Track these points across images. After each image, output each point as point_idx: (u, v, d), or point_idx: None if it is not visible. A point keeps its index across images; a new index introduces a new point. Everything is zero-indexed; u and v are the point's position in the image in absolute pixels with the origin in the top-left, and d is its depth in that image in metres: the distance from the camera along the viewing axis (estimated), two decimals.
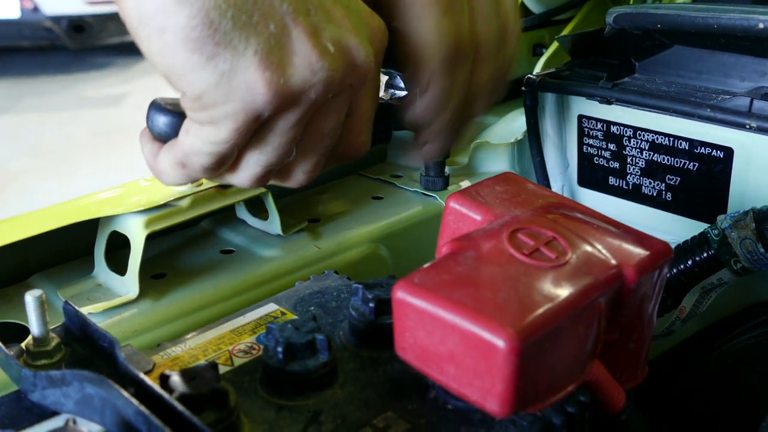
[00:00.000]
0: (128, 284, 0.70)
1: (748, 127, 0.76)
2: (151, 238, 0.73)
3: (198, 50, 0.45)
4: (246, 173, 0.53)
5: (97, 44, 6.67)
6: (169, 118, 0.54)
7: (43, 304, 0.50)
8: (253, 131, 0.49)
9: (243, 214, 0.85)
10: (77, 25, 6.38)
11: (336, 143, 0.54)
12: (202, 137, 0.49)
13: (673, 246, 0.53)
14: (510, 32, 0.59)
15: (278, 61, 0.46)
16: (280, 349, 0.48)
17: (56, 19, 6.28)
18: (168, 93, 0.56)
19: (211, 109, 0.47)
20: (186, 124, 0.51)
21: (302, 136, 0.51)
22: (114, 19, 6.59)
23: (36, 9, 6.22)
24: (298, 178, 0.55)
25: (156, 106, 0.55)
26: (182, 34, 0.44)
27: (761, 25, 0.73)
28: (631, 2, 1.18)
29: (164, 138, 0.54)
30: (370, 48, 0.50)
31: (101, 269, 0.73)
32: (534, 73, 0.97)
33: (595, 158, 0.94)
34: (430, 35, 0.54)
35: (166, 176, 0.54)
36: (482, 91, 0.60)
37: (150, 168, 0.55)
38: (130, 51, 7.23)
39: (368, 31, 0.51)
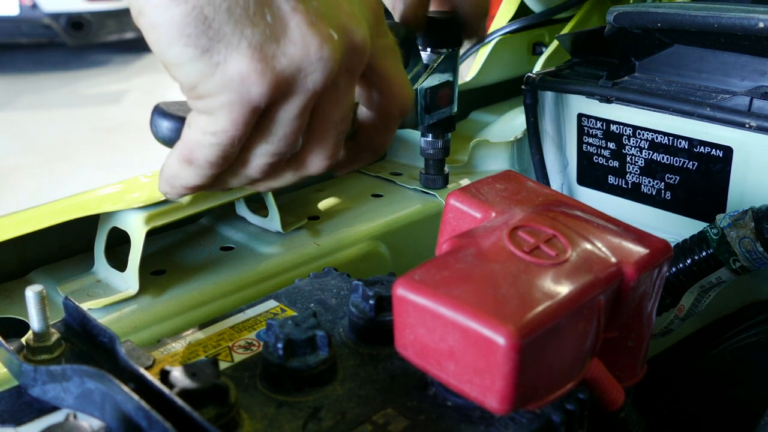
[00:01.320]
0: (128, 280, 0.70)
1: (747, 126, 0.77)
2: (151, 235, 0.73)
3: (192, 44, 0.45)
4: (255, 165, 0.53)
5: (96, 41, 6.66)
6: (173, 123, 0.54)
7: (43, 300, 0.50)
8: (254, 122, 0.49)
9: (243, 211, 0.85)
10: (76, 22, 6.38)
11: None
12: (202, 128, 0.49)
13: (672, 245, 0.53)
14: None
15: (273, 53, 0.46)
16: (280, 345, 0.48)
17: (55, 16, 6.27)
18: (166, 92, 0.57)
19: (207, 99, 0.47)
20: (189, 117, 0.51)
21: (310, 124, 0.52)
22: (112, 16, 6.59)
23: (35, 6, 6.21)
24: (315, 165, 0.55)
25: (159, 111, 0.55)
26: (176, 29, 0.45)
27: (761, 25, 0.73)
28: (632, 1, 1.19)
29: (168, 142, 0.54)
30: (366, 29, 0.50)
31: (101, 265, 0.73)
32: (534, 71, 0.97)
33: (595, 157, 0.94)
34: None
35: (178, 178, 0.53)
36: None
37: (163, 176, 0.55)
38: (128, 48, 7.22)
39: (365, 10, 0.51)
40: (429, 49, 0.84)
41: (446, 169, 0.94)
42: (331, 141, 0.54)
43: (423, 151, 0.92)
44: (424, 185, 0.94)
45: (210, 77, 0.46)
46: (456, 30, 0.80)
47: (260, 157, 0.52)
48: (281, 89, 0.47)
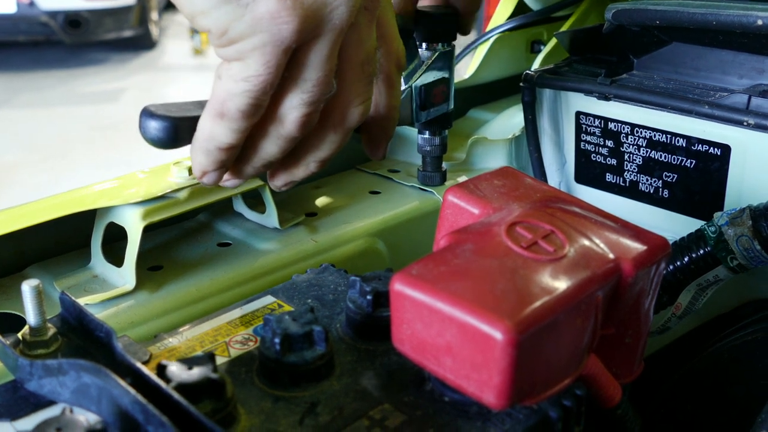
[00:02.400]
0: (125, 276, 0.70)
1: (745, 124, 0.77)
2: (148, 231, 0.73)
3: None
4: (291, 118, 0.53)
5: (93, 39, 6.66)
6: (160, 123, 0.55)
7: (39, 294, 0.50)
8: (285, 64, 0.49)
9: (240, 207, 0.85)
10: (73, 20, 6.37)
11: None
12: (233, 75, 0.49)
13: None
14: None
15: None
16: (277, 340, 0.48)
17: (52, 14, 6.26)
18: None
19: (238, 44, 0.48)
20: (217, 70, 0.51)
21: (339, 69, 0.52)
22: (110, 14, 6.59)
23: (32, 4, 6.20)
24: (353, 115, 0.56)
25: (146, 113, 0.56)
26: None
27: (760, 22, 0.73)
28: None
29: (157, 142, 0.55)
30: None
31: (98, 261, 0.73)
32: (532, 69, 0.97)
33: (593, 155, 0.94)
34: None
35: (212, 139, 0.53)
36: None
37: (196, 144, 0.55)
38: (126, 46, 7.22)
39: None
40: (424, 46, 0.84)
41: (444, 166, 0.94)
42: (362, 84, 0.54)
43: (420, 148, 0.92)
44: (422, 182, 0.93)
45: (240, 19, 0.47)
46: (449, 24, 0.80)
47: (294, 109, 0.52)
48: (310, 27, 0.48)
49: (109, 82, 6.18)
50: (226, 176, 0.59)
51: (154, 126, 0.55)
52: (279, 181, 0.61)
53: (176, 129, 0.56)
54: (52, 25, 6.29)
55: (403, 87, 0.79)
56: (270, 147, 0.55)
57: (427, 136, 0.91)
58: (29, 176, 4.20)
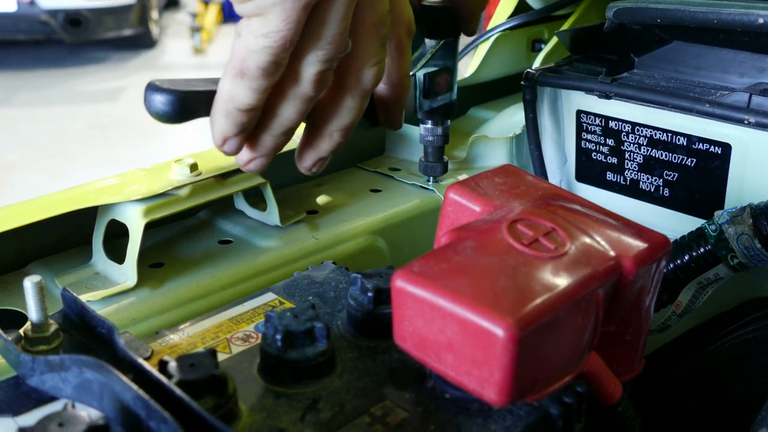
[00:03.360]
0: (126, 273, 0.70)
1: (746, 122, 0.77)
2: (149, 228, 0.73)
3: None
4: (307, 77, 0.53)
5: (94, 38, 6.65)
6: (166, 96, 0.55)
7: (41, 290, 0.50)
8: (304, 20, 0.50)
9: (241, 205, 0.85)
10: (74, 18, 6.37)
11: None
12: (254, 31, 0.50)
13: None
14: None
15: None
16: (278, 336, 0.48)
17: (53, 13, 6.26)
18: None
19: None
20: (237, 28, 0.52)
21: (353, 29, 0.53)
22: (110, 13, 6.58)
23: (32, 2, 6.20)
24: (368, 76, 0.56)
25: (151, 87, 0.56)
26: None
27: (761, 20, 0.73)
28: None
29: (162, 116, 0.55)
30: None
31: (99, 257, 0.73)
32: (533, 67, 0.97)
33: (593, 153, 0.94)
34: None
35: (232, 100, 0.54)
36: None
37: (217, 107, 0.55)
38: (126, 45, 7.22)
39: None
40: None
41: (445, 158, 0.93)
42: (376, 46, 0.55)
43: (422, 138, 0.92)
44: (424, 172, 0.93)
45: None
46: (450, 20, 0.80)
47: (311, 65, 0.53)
48: None
49: (109, 81, 6.18)
50: (246, 153, 0.58)
51: (160, 100, 0.55)
52: (307, 161, 0.61)
53: (182, 102, 0.55)
54: (52, 23, 6.28)
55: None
56: (288, 110, 0.55)
57: (429, 126, 0.91)
58: (29, 175, 4.20)
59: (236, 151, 0.57)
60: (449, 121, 0.91)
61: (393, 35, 0.60)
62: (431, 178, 0.94)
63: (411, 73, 0.81)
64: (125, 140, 4.70)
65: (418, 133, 0.93)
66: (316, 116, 0.59)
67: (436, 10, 0.80)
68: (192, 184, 0.75)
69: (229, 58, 0.53)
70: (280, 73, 0.52)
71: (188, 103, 0.56)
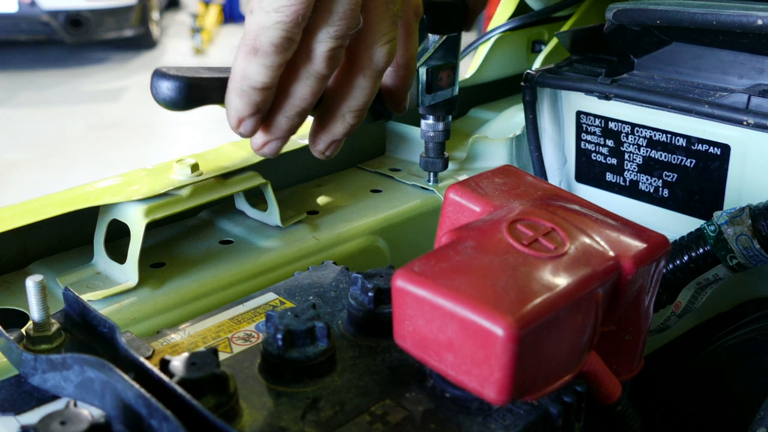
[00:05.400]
0: (128, 272, 0.71)
1: (745, 123, 0.77)
2: (150, 228, 0.73)
3: None
4: (319, 54, 0.54)
5: (94, 39, 6.66)
6: (172, 83, 0.55)
7: (43, 290, 0.50)
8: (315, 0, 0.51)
9: (242, 205, 0.85)
10: (74, 19, 6.37)
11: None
12: (266, 7, 0.51)
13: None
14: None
15: None
16: (279, 336, 0.49)
17: (53, 14, 6.27)
18: None
19: None
20: (249, 5, 0.52)
21: (364, 7, 0.54)
22: (111, 13, 6.59)
23: (33, 3, 6.21)
24: (380, 53, 0.57)
25: (158, 73, 0.56)
26: None
27: (760, 22, 0.73)
28: None
29: (168, 102, 0.55)
30: None
31: (101, 257, 0.73)
32: (533, 68, 0.97)
33: (593, 154, 0.95)
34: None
35: (246, 78, 0.54)
36: None
37: (232, 86, 0.55)
38: (126, 46, 7.22)
39: None
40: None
41: (446, 153, 0.94)
42: (387, 24, 0.56)
43: (423, 134, 0.92)
44: (424, 168, 0.93)
45: None
46: (455, 15, 0.81)
47: (323, 42, 0.53)
48: None
49: (110, 82, 6.18)
50: (260, 137, 0.59)
51: (167, 86, 0.55)
52: (321, 144, 0.61)
53: (189, 89, 0.56)
54: (53, 24, 6.29)
55: None
56: (302, 89, 0.56)
57: (431, 121, 0.91)
58: (29, 175, 4.20)
59: (252, 133, 0.58)
60: (451, 116, 0.92)
61: (402, 16, 0.60)
62: (432, 175, 0.94)
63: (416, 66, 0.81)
64: (126, 141, 4.70)
65: (419, 133, 0.93)
66: (328, 98, 0.59)
67: (442, 5, 0.80)
68: (193, 185, 0.75)
69: (241, 36, 0.53)
70: (293, 50, 0.53)
71: (195, 90, 0.56)
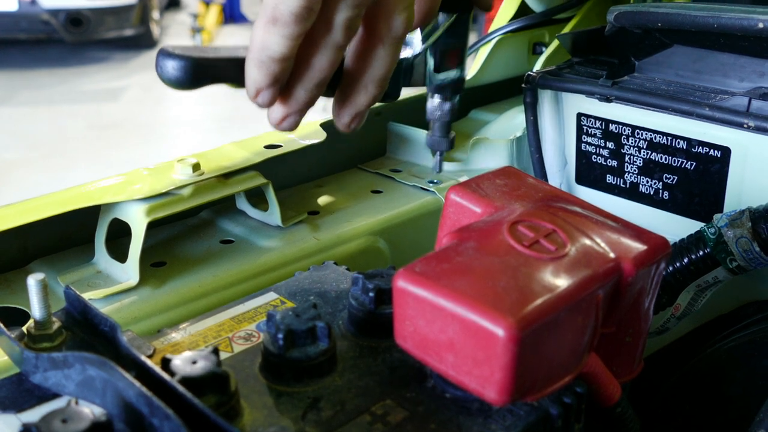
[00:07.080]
0: (128, 271, 0.71)
1: (745, 126, 0.77)
2: (151, 227, 0.73)
3: None
4: (339, 23, 0.53)
5: (95, 38, 6.66)
6: (178, 62, 0.55)
7: (45, 288, 0.50)
8: None
9: (243, 205, 0.85)
10: (75, 18, 6.37)
11: None
12: None
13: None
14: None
15: None
16: (280, 335, 0.49)
17: (54, 12, 6.26)
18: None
19: None
20: None
21: None
22: (111, 12, 6.59)
23: (34, 2, 6.20)
24: (398, 22, 0.57)
25: (163, 53, 0.56)
26: None
27: (761, 25, 0.73)
28: (632, 1, 1.19)
29: (174, 81, 0.55)
30: None
31: (102, 256, 0.74)
32: (534, 70, 0.97)
33: (593, 156, 0.95)
34: None
35: (265, 49, 0.53)
36: None
37: (251, 56, 0.55)
38: (127, 45, 7.22)
39: None
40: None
41: (452, 133, 0.93)
42: None
43: (430, 113, 0.91)
44: (430, 146, 0.92)
45: None
46: None
47: (342, 11, 0.53)
48: None
49: (110, 81, 6.18)
50: (279, 110, 0.58)
51: (172, 65, 0.55)
52: (345, 117, 0.61)
53: (195, 68, 0.55)
54: (53, 23, 6.29)
55: (419, 49, 0.79)
56: (321, 60, 0.55)
57: (437, 101, 0.90)
58: (29, 174, 4.20)
59: (270, 103, 0.57)
60: (458, 97, 0.91)
61: None
62: (438, 156, 0.93)
63: (423, 47, 0.81)
64: (126, 140, 4.70)
65: (419, 134, 0.93)
66: (349, 70, 0.59)
67: None
68: (194, 184, 0.75)
69: (261, 6, 0.53)
70: (312, 19, 0.52)
71: (200, 69, 0.56)
